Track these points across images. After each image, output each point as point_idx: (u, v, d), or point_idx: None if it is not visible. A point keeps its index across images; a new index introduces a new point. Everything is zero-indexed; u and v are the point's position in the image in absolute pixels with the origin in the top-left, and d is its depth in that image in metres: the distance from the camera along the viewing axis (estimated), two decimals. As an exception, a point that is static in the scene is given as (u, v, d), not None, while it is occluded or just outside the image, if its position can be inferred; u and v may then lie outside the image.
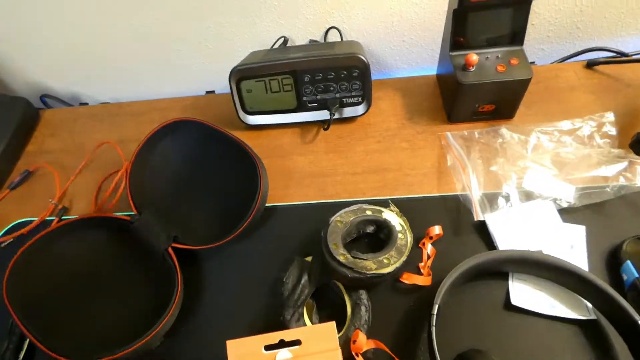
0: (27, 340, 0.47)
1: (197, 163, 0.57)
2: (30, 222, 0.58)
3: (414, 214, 0.52)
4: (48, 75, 0.76)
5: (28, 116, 0.69)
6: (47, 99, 0.78)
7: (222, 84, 0.77)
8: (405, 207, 0.52)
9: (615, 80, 0.63)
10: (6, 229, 0.58)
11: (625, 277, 0.44)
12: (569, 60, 0.69)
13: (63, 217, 0.58)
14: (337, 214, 0.49)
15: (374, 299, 0.46)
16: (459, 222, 0.51)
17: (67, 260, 0.50)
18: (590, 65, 0.65)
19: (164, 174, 0.56)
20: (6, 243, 0.56)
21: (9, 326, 0.48)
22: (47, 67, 0.75)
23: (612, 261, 0.46)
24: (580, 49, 0.69)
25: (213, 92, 0.76)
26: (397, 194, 0.55)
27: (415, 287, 0.47)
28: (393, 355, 0.42)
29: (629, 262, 0.44)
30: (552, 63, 0.69)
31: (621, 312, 0.39)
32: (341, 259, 0.43)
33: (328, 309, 0.47)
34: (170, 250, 0.49)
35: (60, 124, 0.70)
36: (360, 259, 0.44)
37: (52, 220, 0.58)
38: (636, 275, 0.42)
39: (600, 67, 0.65)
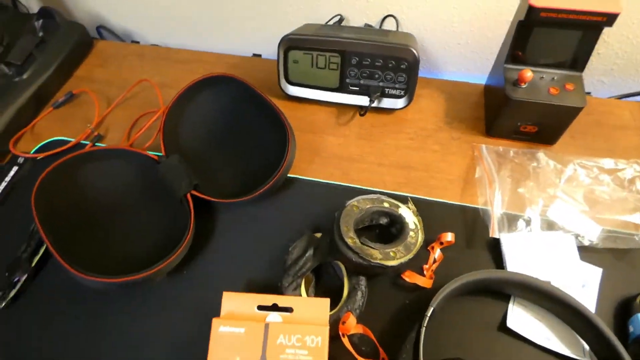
0: (44, 246, 0.51)
1: (231, 120, 0.58)
2: (67, 142, 0.60)
3: (430, 217, 0.51)
4: (107, 8, 0.79)
5: (82, 43, 0.71)
6: (103, 31, 0.81)
7: (269, 50, 0.77)
8: (423, 207, 0.52)
9: (671, 129, 0.60)
10: (43, 143, 0.61)
11: (631, 329, 0.42)
12: (628, 99, 0.66)
13: (97, 144, 0.61)
14: (355, 198, 0.49)
15: (372, 288, 0.47)
16: (473, 235, 0.51)
17: (93, 183, 0.52)
18: (648, 107, 0.62)
19: (197, 124, 0.57)
20: (41, 157, 0.59)
21: (30, 231, 0.51)
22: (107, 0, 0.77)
23: (622, 311, 0.45)
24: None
25: (260, 56, 0.76)
26: (419, 193, 0.55)
27: (415, 287, 0.47)
28: (378, 345, 0.42)
29: (639, 315, 0.42)
30: (609, 97, 0.66)
31: (616, 358, 0.38)
32: (349, 242, 0.44)
33: (326, 286, 0.47)
34: (189, 196, 0.50)
35: (110, 57, 0.72)
36: (368, 246, 0.44)
37: (87, 144, 0.60)
38: (643, 328, 0.41)
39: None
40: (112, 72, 0.70)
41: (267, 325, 0.40)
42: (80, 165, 0.52)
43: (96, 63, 0.71)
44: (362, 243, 0.44)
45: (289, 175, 0.56)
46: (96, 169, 0.52)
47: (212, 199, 0.51)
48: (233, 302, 0.42)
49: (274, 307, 0.42)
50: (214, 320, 0.40)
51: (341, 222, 0.45)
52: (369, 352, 0.43)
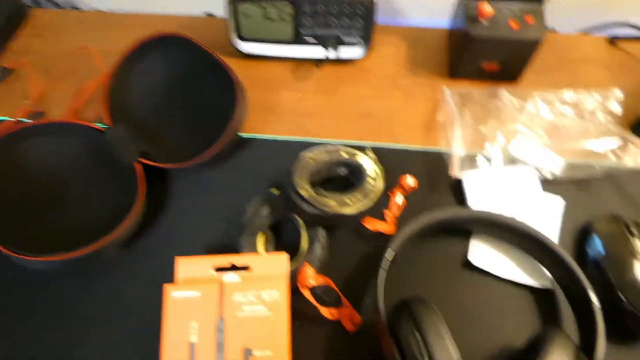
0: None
1: (180, 82, 0.55)
2: (2, 120, 0.57)
3: (392, 164, 0.50)
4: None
5: (15, 12, 0.66)
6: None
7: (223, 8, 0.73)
8: (386, 155, 0.50)
9: (635, 60, 0.59)
10: (-19, 123, 0.57)
11: (589, 252, 0.42)
12: (591, 33, 0.64)
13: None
14: (310, 149, 0.47)
15: (334, 240, 0.46)
16: (437, 178, 0.50)
17: (35, 160, 0.49)
18: (613, 40, 0.61)
19: (144, 89, 0.54)
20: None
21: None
22: (42, -36, 0.71)
23: (582, 237, 0.44)
24: (606, 22, 0.64)
25: (213, 15, 0.72)
26: (380, 141, 0.53)
27: (379, 235, 0.46)
28: (340, 294, 0.42)
29: (595, 237, 0.42)
30: (573, 33, 0.64)
31: (576, 282, 0.38)
32: (303, 193, 0.42)
33: (287, 243, 0.46)
34: (138, 165, 0.48)
35: (48, 26, 0.67)
36: (322, 196, 0.42)
37: (26, 122, 0.57)
38: (600, 251, 0.41)
39: (622, 44, 0.60)
40: (50, 42, 0.65)
41: (222, 285, 0.38)
42: (19, 144, 0.48)
43: (32, 33, 0.66)
44: (316, 193, 0.43)
45: (245, 135, 0.54)
46: (35, 145, 0.49)
47: (161, 165, 0.49)
48: (187, 267, 0.41)
49: (232, 268, 0.41)
50: (166, 287, 0.39)
51: (294, 175, 0.43)
52: (333, 302, 0.43)
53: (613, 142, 0.46)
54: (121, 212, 0.45)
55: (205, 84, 0.54)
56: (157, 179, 0.51)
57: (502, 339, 0.40)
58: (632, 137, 0.45)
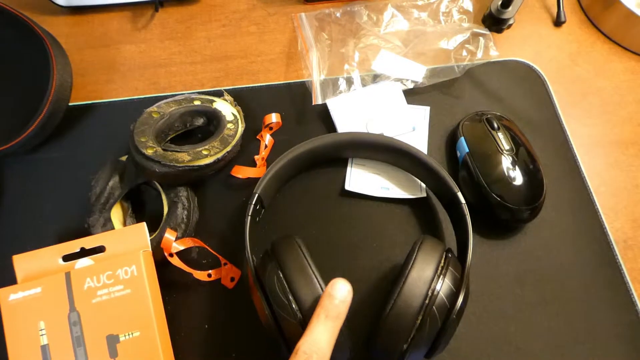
0: None
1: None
2: None
3: (254, 104, 0.46)
4: None
5: None
6: None
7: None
8: (245, 96, 0.46)
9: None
10: None
11: (458, 154, 0.42)
12: None
13: None
14: (155, 104, 0.41)
15: (203, 197, 0.42)
16: (302, 110, 0.46)
17: None
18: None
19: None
20: None
21: None
22: None
23: (451, 141, 0.45)
24: None
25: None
26: (240, 83, 0.49)
27: (250, 182, 0.43)
28: (214, 252, 0.38)
29: (462, 138, 0.42)
30: None
31: (445, 186, 0.38)
32: (148, 152, 0.37)
33: (150, 212, 0.41)
34: (-53, 159, 0.40)
35: None
36: (172, 151, 0.38)
37: None
38: (466, 150, 0.41)
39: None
40: None
41: (67, 275, 0.33)
42: None
43: None
44: (164, 150, 0.38)
45: (83, 102, 0.47)
46: None
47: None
48: (27, 263, 0.35)
49: (84, 253, 0.35)
50: (0, 291, 0.33)
51: (135, 134, 0.38)
52: (212, 262, 0.39)
53: (464, 38, 0.45)
54: None
55: (10, 49, 0.45)
56: (-16, 173, 0.43)
57: (389, 256, 0.40)
58: (481, 30, 0.45)
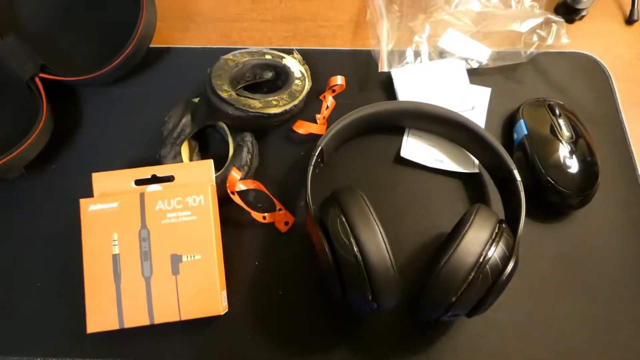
0: None
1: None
2: None
3: (320, 66, 0.48)
4: None
5: None
6: None
7: None
8: (312, 58, 0.48)
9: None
10: None
11: (515, 136, 0.43)
12: None
13: None
14: (231, 53, 0.43)
15: (265, 144, 0.44)
16: (366, 77, 0.48)
17: None
18: None
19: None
20: None
21: None
22: None
23: (509, 123, 0.45)
24: None
25: None
26: (307, 45, 0.50)
27: (310, 138, 0.45)
28: (272, 197, 0.41)
29: (521, 121, 0.43)
30: None
31: (500, 163, 0.39)
32: (224, 95, 0.39)
33: (214, 152, 0.44)
34: (37, 80, 0.43)
35: None
36: (244, 96, 0.40)
37: None
38: (525, 132, 0.42)
39: None
40: None
41: (142, 195, 0.36)
42: None
43: None
44: (238, 95, 0.40)
45: (160, 45, 0.49)
46: None
47: (63, 78, 0.43)
48: (105, 182, 0.38)
49: (155, 180, 0.38)
50: (82, 201, 0.36)
51: (213, 77, 0.40)
52: (266, 207, 0.42)
53: (536, 23, 0.45)
54: (24, 131, 0.41)
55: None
56: (66, 97, 0.46)
57: (435, 225, 0.41)
58: (555, 17, 0.45)
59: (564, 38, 0.45)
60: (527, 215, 0.41)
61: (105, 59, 0.44)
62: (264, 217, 0.40)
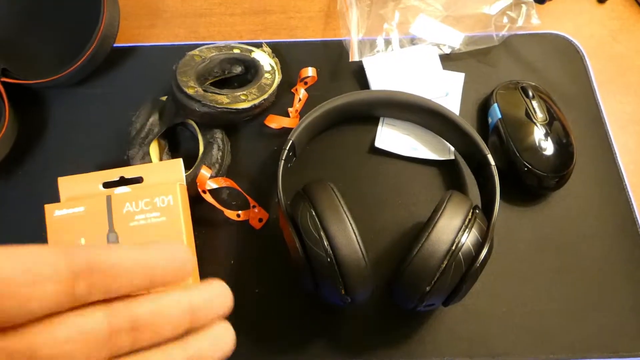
0: None
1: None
2: None
3: (291, 58, 0.47)
4: None
5: None
6: None
7: None
8: (282, 50, 0.47)
9: None
10: None
11: (490, 120, 0.43)
12: None
13: None
14: (197, 48, 0.42)
15: (236, 142, 0.43)
16: (338, 67, 0.47)
17: None
18: None
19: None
20: None
21: None
22: None
23: (484, 108, 0.45)
24: None
25: None
26: (278, 38, 0.49)
27: (283, 132, 0.44)
28: (245, 194, 0.40)
29: (495, 104, 0.42)
30: None
31: (475, 148, 0.38)
32: (190, 91, 0.38)
33: (185, 151, 0.43)
34: (-2, 85, 0.42)
35: None
36: (211, 92, 0.39)
37: None
38: (499, 116, 0.41)
39: None
40: None
41: (109, 197, 0.35)
42: None
43: None
44: (205, 90, 0.39)
45: (126, 44, 0.48)
46: None
47: (24, 82, 0.42)
48: (71, 185, 0.37)
49: (123, 182, 0.37)
50: (46, 207, 0.35)
51: (178, 74, 0.39)
52: (241, 204, 0.41)
53: (505, 4, 0.45)
54: (-16, 140, 0.40)
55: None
56: (30, 101, 0.45)
57: (413, 214, 0.41)
58: (524, -2, 0.45)
59: (534, 19, 0.44)
60: (503, 199, 0.41)
61: (68, 61, 0.43)
62: (238, 215, 0.39)
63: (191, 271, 0.17)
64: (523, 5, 0.44)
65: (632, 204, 0.41)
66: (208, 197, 0.38)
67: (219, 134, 0.40)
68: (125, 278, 0.15)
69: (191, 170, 0.39)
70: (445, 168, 0.42)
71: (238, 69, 0.44)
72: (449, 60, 0.47)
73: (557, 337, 0.37)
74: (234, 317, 0.37)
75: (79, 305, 0.14)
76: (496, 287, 0.38)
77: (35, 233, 0.40)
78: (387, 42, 0.46)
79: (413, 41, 0.47)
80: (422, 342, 0.36)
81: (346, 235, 0.30)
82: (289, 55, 0.47)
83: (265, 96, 0.41)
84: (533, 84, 0.44)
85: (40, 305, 0.13)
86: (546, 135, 0.40)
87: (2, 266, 0.13)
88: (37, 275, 0.13)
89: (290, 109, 0.45)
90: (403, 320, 0.37)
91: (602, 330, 0.37)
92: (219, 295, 0.18)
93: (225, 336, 0.18)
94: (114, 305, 0.15)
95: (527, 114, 0.41)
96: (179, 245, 0.17)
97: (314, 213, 0.31)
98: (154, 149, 0.41)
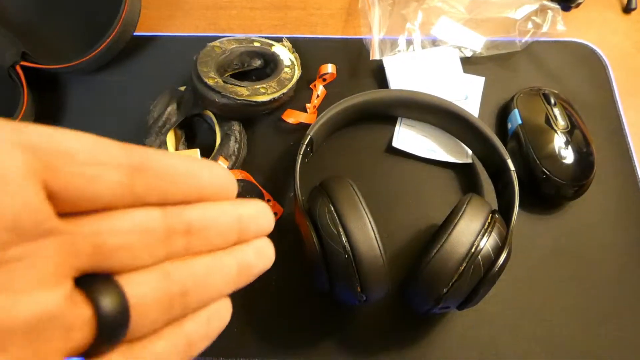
0: None
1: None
2: None
3: (310, 54, 0.46)
4: None
5: None
6: None
7: None
8: (302, 46, 0.47)
9: None
10: None
11: (509, 126, 0.42)
12: None
13: None
14: (218, 40, 0.42)
15: (255, 136, 0.43)
16: (357, 66, 0.47)
17: None
18: None
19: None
20: None
21: None
22: None
23: (503, 113, 0.44)
24: None
25: None
26: (298, 33, 0.49)
27: (300, 127, 0.44)
28: (260, 188, 0.40)
29: (515, 110, 0.42)
30: None
31: (494, 152, 0.38)
32: (210, 82, 0.38)
33: (200, 142, 0.43)
34: (18, 68, 0.42)
35: None
36: (231, 84, 0.39)
37: None
38: (519, 122, 0.41)
39: None
40: None
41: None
42: None
43: None
44: (225, 82, 0.39)
45: (146, 33, 0.48)
46: None
47: (44, 67, 0.42)
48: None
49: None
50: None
51: (199, 64, 0.39)
52: (255, 198, 0.41)
53: (531, 10, 0.44)
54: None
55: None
56: (49, 86, 0.45)
57: (427, 216, 0.40)
58: (550, 4, 0.44)
59: (559, 25, 0.44)
60: (520, 206, 0.40)
61: (88, 47, 0.43)
62: (252, 208, 0.39)
63: (235, 190, 0.17)
64: (549, 11, 0.44)
65: (650, 217, 0.40)
66: (223, 189, 0.37)
67: (236, 126, 0.40)
68: (177, 183, 0.15)
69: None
70: (462, 171, 0.42)
71: (257, 63, 0.44)
72: (469, 64, 0.46)
73: (568, 348, 0.36)
74: (244, 310, 0.37)
75: (137, 205, 0.14)
76: (509, 293, 0.38)
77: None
78: (409, 42, 0.46)
79: (434, 42, 0.46)
80: (432, 345, 0.36)
81: (365, 232, 0.29)
82: (308, 52, 0.47)
83: (285, 90, 0.41)
84: (555, 91, 0.43)
85: (106, 188, 0.13)
86: (566, 143, 0.40)
87: (69, 144, 0.12)
88: (103, 157, 0.13)
89: (308, 105, 0.44)
90: (414, 323, 0.37)
91: (615, 342, 0.36)
92: (263, 212, 0.18)
93: (268, 250, 0.19)
94: (169, 208, 0.15)
95: (548, 121, 0.41)
96: (221, 166, 0.17)
97: (332, 208, 0.31)
98: (170, 138, 0.41)
